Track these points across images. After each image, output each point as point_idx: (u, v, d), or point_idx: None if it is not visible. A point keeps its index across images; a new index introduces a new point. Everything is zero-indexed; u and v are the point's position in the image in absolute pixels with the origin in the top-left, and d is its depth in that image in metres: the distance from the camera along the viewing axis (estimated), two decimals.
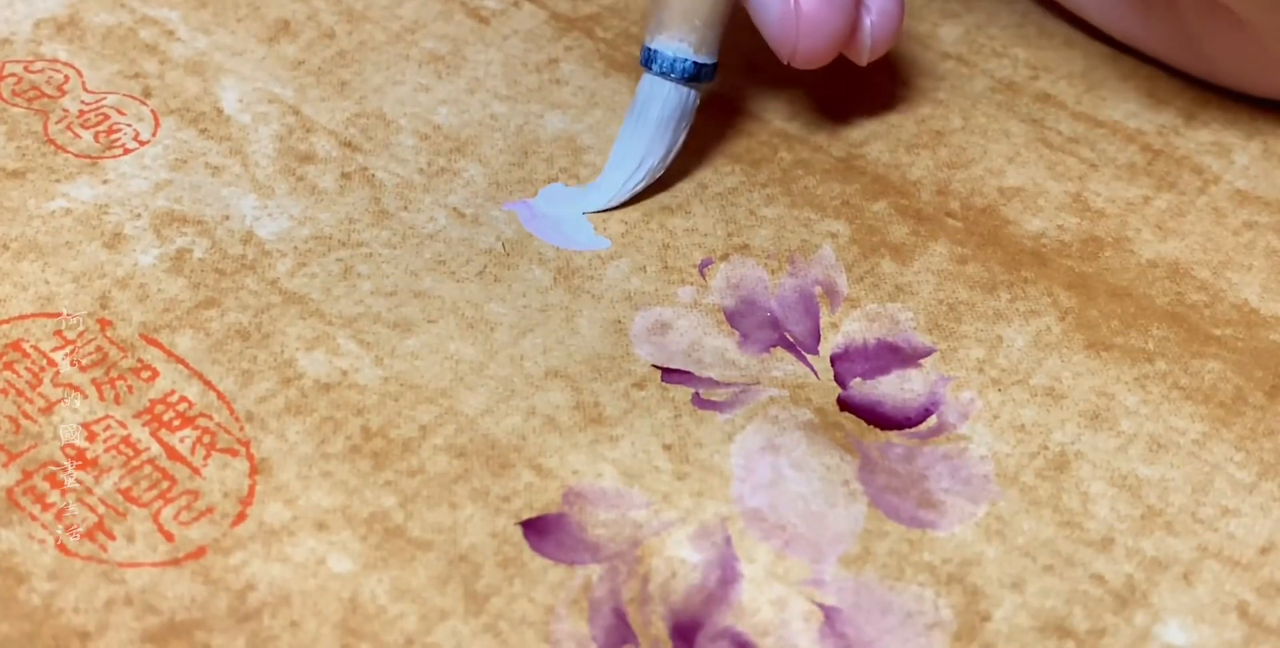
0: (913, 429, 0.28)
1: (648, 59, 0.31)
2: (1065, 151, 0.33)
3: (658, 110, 0.31)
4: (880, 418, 0.28)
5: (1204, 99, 0.34)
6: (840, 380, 0.28)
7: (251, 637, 0.24)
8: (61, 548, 0.25)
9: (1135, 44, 0.35)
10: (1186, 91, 0.34)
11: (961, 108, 0.34)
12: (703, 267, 0.30)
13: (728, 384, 0.28)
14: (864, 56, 0.31)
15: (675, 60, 0.30)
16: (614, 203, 0.31)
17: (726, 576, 0.25)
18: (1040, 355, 0.29)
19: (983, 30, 0.36)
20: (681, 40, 0.30)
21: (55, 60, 0.33)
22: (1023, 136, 0.33)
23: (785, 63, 0.31)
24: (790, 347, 0.29)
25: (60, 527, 0.25)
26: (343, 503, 0.26)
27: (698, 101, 0.31)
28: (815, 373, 0.29)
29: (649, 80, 0.31)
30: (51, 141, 0.31)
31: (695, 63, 0.30)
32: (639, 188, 0.31)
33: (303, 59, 0.34)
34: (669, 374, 0.28)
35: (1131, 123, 0.34)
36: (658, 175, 0.31)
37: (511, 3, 0.36)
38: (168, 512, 0.26)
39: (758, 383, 0.28)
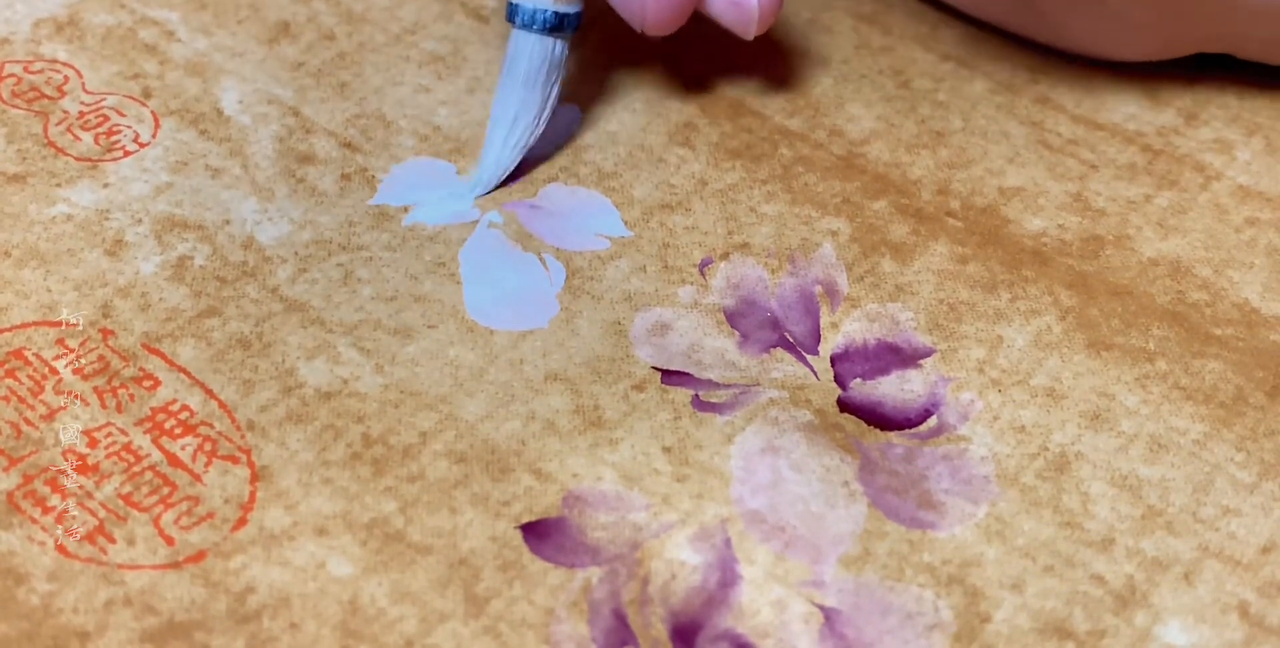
0: (913, 430, 0.28)
1: (510, 13, 0.31)
2: (1065, 153, 0.33)
3: (524, 64, 0.31)
4: (880, 419, 0.28)
5: (1204, 99, 0.34)
6: (840, 381, 0.28)
7: (251, 638, 0.24)
8: (61, 550, 0.25)
9: (984, 17, 0.35)
10: (1186, 93, 0.34)
11: (961, 109, 0.34)
12: (703, 266, 0.30)
13: (727, 386, 0.28)
14: (747, 29, 0.31)
15: (536, 11, 0.30)
16: (499, 168, 0.31)
17: (726, 577, 0.25)
18: (1041, 355, 0.29)
19: (983, 32, 0.36)
20: None
21: (55, 60, 0.33)
22: (1023, 138, 0.33)
23: (639, 30, 0.31)
24: (790, 347, 0.29)
25: (60, 529, 0.25)
26: (343, 509, 0.26)
27: (566, 52, 0.31)
28: (815, 373, 0.29)
29: (514, 35, 0.31)
30: (52, 144, 0.31)
31: (556, 13, 0.30)
32: (519, 148, 0.31)
33: (302, 61, 0.34)
34: (669, 376, 0.28)
35: (1131, 125, 0.34)
36: (536, 133, 0.31)
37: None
38: (168, 516, 0.26)
39: (757, 384, 0.28)
